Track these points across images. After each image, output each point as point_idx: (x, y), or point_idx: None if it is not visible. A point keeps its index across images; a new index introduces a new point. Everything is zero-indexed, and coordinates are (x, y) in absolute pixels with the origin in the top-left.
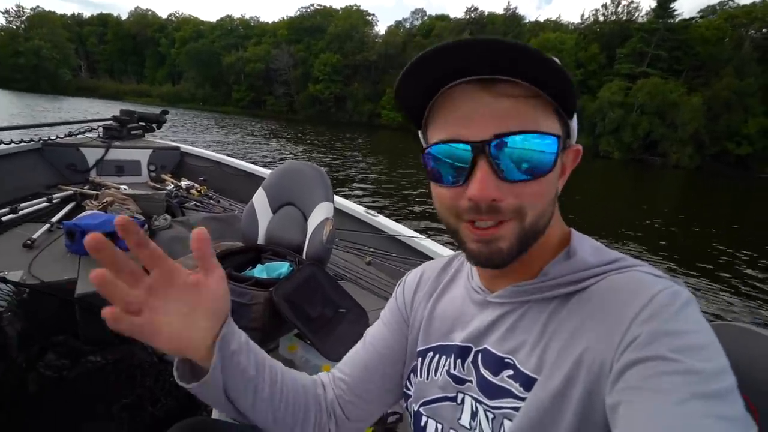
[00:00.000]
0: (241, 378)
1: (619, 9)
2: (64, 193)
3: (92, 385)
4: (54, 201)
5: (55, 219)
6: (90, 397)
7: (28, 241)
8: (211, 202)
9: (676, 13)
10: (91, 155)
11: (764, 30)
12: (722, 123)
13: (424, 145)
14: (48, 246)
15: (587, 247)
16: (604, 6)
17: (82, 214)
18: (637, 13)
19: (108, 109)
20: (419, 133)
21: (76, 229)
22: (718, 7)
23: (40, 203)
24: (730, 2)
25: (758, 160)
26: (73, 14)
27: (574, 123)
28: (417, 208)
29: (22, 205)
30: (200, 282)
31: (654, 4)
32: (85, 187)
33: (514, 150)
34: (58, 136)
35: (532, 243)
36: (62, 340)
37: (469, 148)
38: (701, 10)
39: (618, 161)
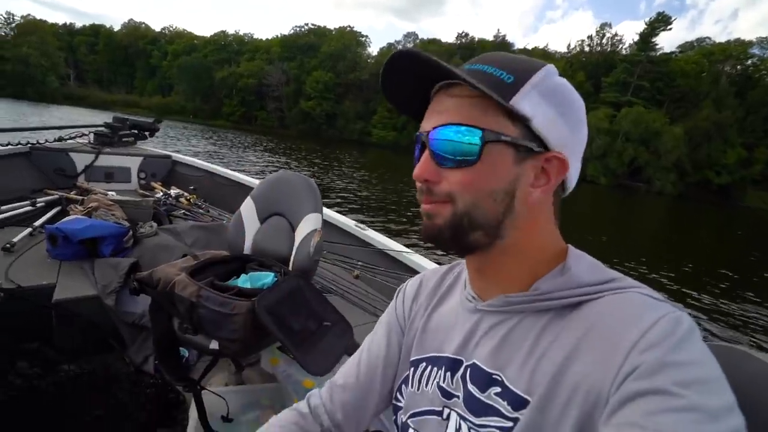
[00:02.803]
0: None
1: (604, 41)
2: (49, 197)
3: (65, 396)
4: (38, 205)
5: (37, 223)
6: (62, 408)
7: (8, 245)
8: (200, 211)
9: (657, 47)
10: (81, 161)
11: (739, 67)
12: (703, 152)
13: None
14: (28, 250)
15: (584, 264)
16: (590, 37)
17: (66, 218)
18: (620, 45)
19: (95, 118)
20: None
21: (58, 233)
22: (695, 44)
23: (23, 207)
24: (707, 39)
25: (737, 190)
26: (65, 24)
27: (551, 130)
28: (406, 224)
29: (3, 208)
30: None
31: (636, 38)
32: (72, 192)
33: (441, 139)
34: (47, 140)
35: (471, 234)
36: (35, 347)
37: (420, 137)
38: (680, 46)
39: (604, 186)
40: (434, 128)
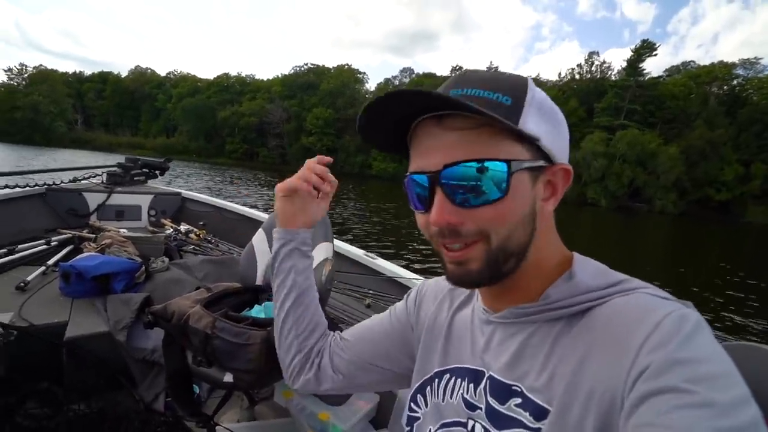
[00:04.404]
0: (299, 263)
1: (593, 68)
2: (63, 236)
3: None
4: (52, 244)
5: (51, 262)
6: None
7: (22, 284)
8: (210, 245)
9: (645, 72)
10: (93, 200)
11: (725, 87)
12: (701, 170)
13: None
14: (41, 289)
15: (590, 270)
16: (579, 65)
17: (79, 256)
18: (609, 72)
19: (97, 161)
20: None
21: (72, 270)
22: (681, 67)
23: (38, 246)
24: (692, 63)
25: (738, 205)
26: (74, 72)
27: (552, 144)
28: (413, 251)
29: (18, 247)
30: (322, 200)
31: (624, 64)
32: (84, 231)
33: (461, 178)
34: (62, 182)
35: (505, 265)
36: (45, 387)
37: (426, 178)
38: (666, 70)
39: (605, 209)
40: (447, 167)
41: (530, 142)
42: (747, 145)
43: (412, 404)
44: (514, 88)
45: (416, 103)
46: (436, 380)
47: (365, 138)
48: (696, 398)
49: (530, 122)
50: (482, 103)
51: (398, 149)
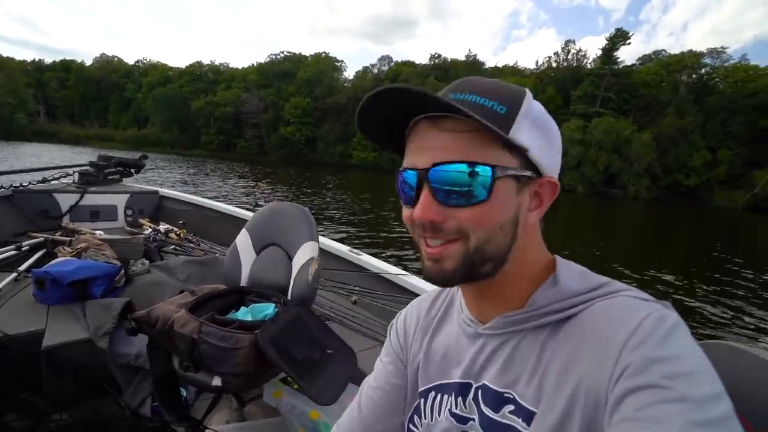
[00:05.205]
0: None
1: (569, 56)
2: (34, 240)
3: None
4: (23, 249)
5: (23, 267)
6: None
7: None
8: (191, 245)
9: (619, 60)
10: (65, 201)
11: (694, 76)
12: (671, 157)
13: None
14: (13, 296)
15: (573, 273)
16: (556, 53)
17: (54, 261)
18: (585, 60)
19: (67, 155)
20: None
21: (46, 277)
22: (653, 56)
23: (7, 252)
24: (663, 51)
25: (706, 190)
26: (34, 60)
27: (542, 157)
28: (396, 245)
29: None
30: None
31: (599, 53)
32: (57, 234)
33: (448, 177)
34: (30, 183)
35: (482, 267)
36: (24, 398)
37: (415, 175)
38: (639, 58)
39: (582, 194)
40: (435, 165)
41: (519, 151)
42: (714, 132)
43: (409, 425)
44: (510, 99)
45: (414, 100)
46: (422, 399)
47: (361, 128)
48: (673, 393)
49: (522, 133)
50: (477, 109)
51: (393, 146)
